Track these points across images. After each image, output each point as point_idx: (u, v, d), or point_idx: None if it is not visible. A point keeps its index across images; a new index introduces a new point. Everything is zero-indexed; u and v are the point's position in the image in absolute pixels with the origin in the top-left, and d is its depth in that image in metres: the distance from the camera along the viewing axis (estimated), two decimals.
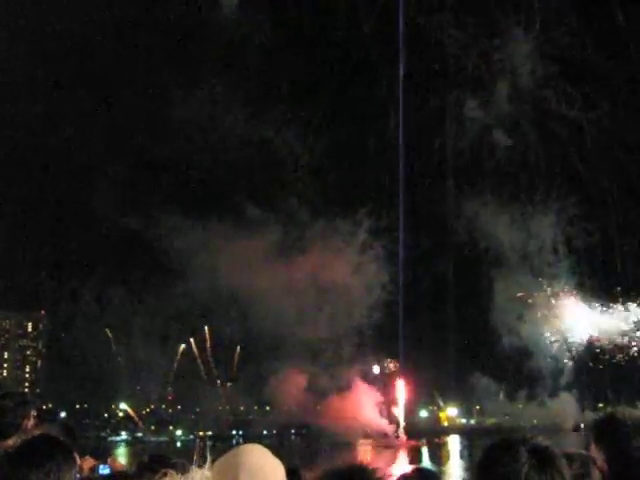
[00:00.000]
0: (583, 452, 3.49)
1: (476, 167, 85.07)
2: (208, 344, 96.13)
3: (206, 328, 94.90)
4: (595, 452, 3.26)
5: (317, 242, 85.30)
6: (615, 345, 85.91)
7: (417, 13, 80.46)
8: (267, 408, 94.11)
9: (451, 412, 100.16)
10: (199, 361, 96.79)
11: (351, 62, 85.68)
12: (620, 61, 78.56)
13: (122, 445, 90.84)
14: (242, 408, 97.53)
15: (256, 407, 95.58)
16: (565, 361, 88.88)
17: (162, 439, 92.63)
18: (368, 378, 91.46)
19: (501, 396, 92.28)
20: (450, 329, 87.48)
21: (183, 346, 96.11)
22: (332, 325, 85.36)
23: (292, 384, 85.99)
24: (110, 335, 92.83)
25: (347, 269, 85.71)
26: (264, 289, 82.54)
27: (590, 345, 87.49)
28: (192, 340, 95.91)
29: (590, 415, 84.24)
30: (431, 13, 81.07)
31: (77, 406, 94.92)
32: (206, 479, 2.34)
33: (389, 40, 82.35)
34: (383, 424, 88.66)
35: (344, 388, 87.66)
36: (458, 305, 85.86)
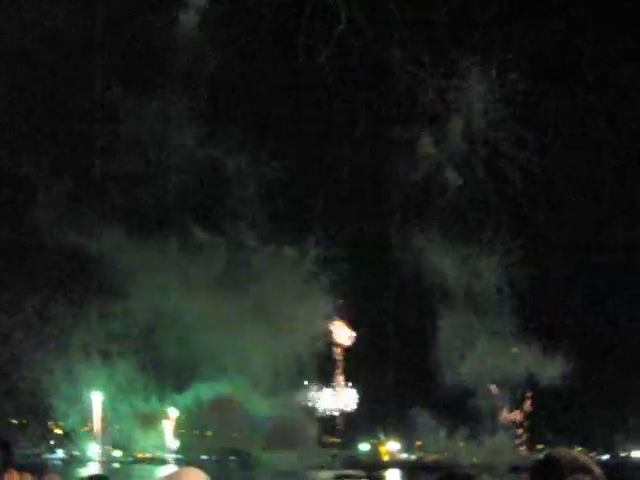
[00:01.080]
0: None
1: (426, 203, 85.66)
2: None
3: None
4: None
5: (263, 269, 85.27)
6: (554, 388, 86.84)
7: (374, 46, 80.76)
8: (207, 433, 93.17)
9: (392, 447, 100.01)
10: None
11: (306, 91, 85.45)
12: (575, 108, 79.86)
13: (59, 463, 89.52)
14: (182, 431, 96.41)
15: (197, 432, 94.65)
16: (504, 402, 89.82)
17: (99, 459, 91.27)
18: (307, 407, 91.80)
19: (442, 433, 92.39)
20: (392, 363, 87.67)
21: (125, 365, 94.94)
22: (273, 353, 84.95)
23: (230, 411, 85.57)
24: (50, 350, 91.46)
25: (292, 298, 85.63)
26: (206, 313, 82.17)
27: (530, 386, 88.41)
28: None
29: (528, 455, 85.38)
30: (388, 48, 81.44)
31: (13, 421, 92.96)
32: None
33: (345, 71, 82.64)
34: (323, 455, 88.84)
35: (284, 416, 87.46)
36: (402, 340, 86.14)
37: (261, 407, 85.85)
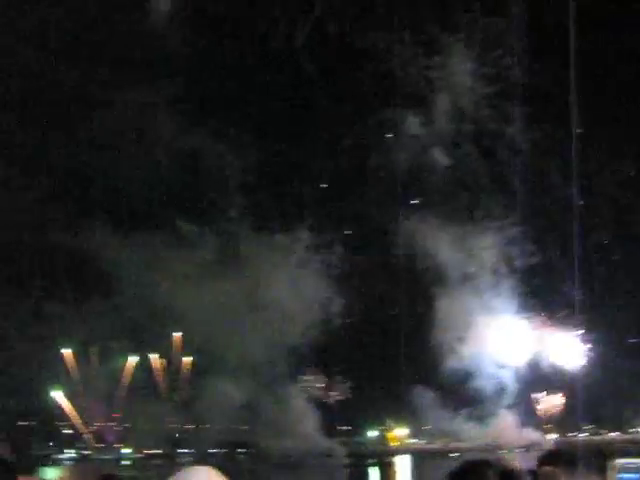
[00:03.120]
0: None
1: (416, 184, 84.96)
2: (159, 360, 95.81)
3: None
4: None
5: (254, 258, 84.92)
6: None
7: (355, 25, 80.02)
8: (207, 426, 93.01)
9: (400, 432, 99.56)
10: (155, 376, 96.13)
11: (286, 77, 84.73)
12: (561, 81, 78.83)
13: (68, 463, 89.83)
14: (188, 426, 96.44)
15: (198, 425, 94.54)
16: (507, 382, 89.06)
17: (108, 457, 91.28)
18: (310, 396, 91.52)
19: (449, 417, 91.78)
20: (395, 348, 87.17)
21: (135, 360, 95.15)
22: (268, 342, 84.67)
23: (229, 402, 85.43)
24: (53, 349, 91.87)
25: (284, 286, 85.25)
26: (198, 305, 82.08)
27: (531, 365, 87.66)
28: (151, 355, 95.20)
29: (536, 435, 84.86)
30: (369, 27, 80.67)
31: (19, 423, 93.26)
32: None
33: (323, 55, 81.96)
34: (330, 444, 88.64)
35: (285, 407, 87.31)
36: (401, 324, 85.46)
37: (260, 396, 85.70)
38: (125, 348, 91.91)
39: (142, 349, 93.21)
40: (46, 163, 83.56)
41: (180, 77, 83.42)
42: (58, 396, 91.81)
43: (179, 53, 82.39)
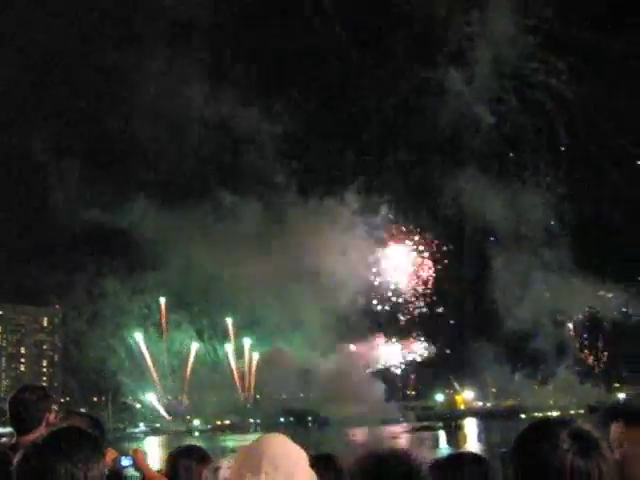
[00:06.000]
0: None
1: (461, 143, 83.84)
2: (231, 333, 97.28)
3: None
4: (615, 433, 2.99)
5: (300, 224, 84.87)
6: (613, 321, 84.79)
7: None
8: (274, 397, 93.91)
9: (467, 395, 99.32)
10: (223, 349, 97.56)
11: (325, 41, 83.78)
12: (604, 34, 76.68)
13: (142, 436, 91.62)
14: (258, 397, 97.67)
15: (259, 396, 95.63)
16: (569, 341, 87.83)
17: (180, 429, 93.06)
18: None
19: (516, 378, 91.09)
20: (453, 312, 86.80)
21: (196, 346, 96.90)
22: (324, 307, 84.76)
23: (289, 370, 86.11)
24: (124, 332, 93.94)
25: (332, 251, 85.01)
26: (247, 275, 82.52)
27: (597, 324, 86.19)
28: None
29: (604, 394, 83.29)
30: None
31: (94, 399, 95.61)
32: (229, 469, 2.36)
33: (359, 16, 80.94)
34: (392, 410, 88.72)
35: (342, 371, 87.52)
36: (459, 287, 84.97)
37: (315, 362, 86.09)
38: (185, 322, 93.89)
39: (198, 323, 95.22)
40: (79, 141, 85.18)
41: (212, 46, 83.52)
42: (129, 374, 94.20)
43: (209, 21, 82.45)
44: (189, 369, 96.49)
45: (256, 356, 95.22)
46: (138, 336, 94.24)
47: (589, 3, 75.01)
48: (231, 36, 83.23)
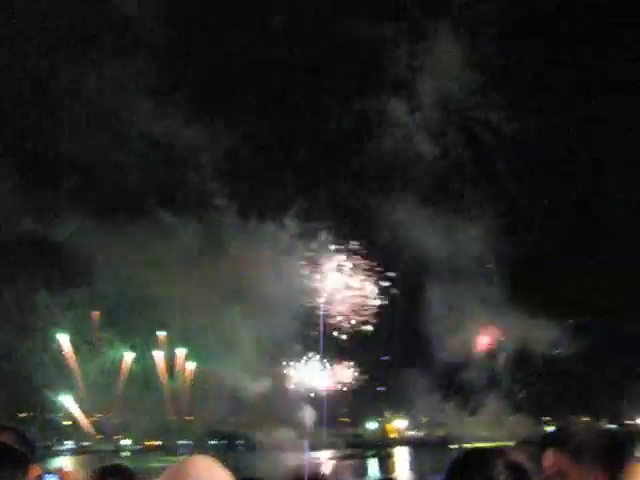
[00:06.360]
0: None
1: (401, 174, 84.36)
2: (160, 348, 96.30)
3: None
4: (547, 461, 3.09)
5: (238, 246, 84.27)
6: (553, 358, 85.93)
7: (336, 9, 79.12)
8: (205, 418, 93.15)
9: (399, 424, 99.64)
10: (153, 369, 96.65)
11: (265, 64, 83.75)
12: (550, 71, 78.30)
13: (68, 454, 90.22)
14: (190, 418, 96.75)
15: (191, 417, 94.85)
16: (500, 373, 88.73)
17: (109, 448, 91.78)
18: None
19: (447, 408, 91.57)
20: (390, 340, 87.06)
21: (131, 356, 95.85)
22: (257, 330, 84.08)
23: (223, 392, 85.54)
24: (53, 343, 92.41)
25: (269, 274, 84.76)
26: (182, 295, 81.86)
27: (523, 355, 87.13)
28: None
29: (535, 427, 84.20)
30: (350, 12, 79.83)
31: (23, 414, 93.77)
32: None
33: (304, 38, 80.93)
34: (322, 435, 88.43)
35: (273, 395, 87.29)
36: (393, 315, 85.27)
37: (247, 385, 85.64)
38: (116, 340, 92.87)
39: (130, 340, 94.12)
40: (19, 150, 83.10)
41: (154, 61, 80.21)
42: (57, 389, 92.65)
43: (152, 35, 79.87)
44: (120, 387, 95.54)
45: (192, 365, 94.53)
46: (68, 351, 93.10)
47: (530, 40, 76.54)
48: (174, 51, 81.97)
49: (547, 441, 3.12)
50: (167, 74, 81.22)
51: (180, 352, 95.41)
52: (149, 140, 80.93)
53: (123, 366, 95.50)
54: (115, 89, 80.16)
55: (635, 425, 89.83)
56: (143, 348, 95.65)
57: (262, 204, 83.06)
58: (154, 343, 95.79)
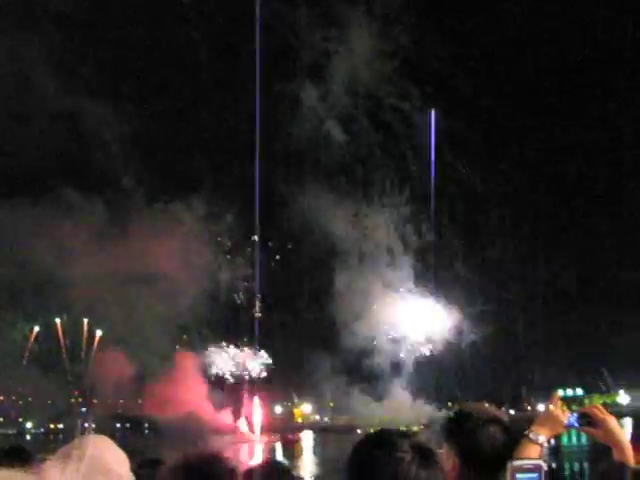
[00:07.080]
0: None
1: (312, 158, 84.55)
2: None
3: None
4: (447, 450, 3.17)
5: (143, 228, 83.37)
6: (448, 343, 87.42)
7: None
8: (110, 401, 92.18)
9: (305, 409, 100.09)
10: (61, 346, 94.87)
11: (178, 41, 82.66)
12: (461, 61, 79.25)
13: None
14: (94, 401, 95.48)
15: (95, 400, 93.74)
16: (405, 359, 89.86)
17: (10, 432, 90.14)
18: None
19: (354, 394, 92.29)
20: (296, 325, 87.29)
21: (36, 329, 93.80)
22: (155, 315, 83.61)
23: (126, 375, 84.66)
24: None
25: (174, 257, 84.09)
26: (86, 275, 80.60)
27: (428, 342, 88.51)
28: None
29: (437, 412, 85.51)
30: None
31: None
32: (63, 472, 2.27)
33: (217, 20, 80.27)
34: (229, 419, 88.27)
35: (183, 380, 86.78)
36: (300, 300, 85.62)
37: (154, 368, 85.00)
38: (19, 321, 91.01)
39: (34, 322, 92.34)
40: None
41: (60, 34, 79.03)
42: None
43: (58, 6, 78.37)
44: (22, 369, 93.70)
45: (99, 333, 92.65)
46: None
47: (446, 33, 77.39)
48: (84, 25, 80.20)
49: (448, 427, 3.33)
50: (73, 48, 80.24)
51: (85, 334, 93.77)
52: (53, 116, 79.72)
53: (26, 348, 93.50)
54: (17, 62, 78.65)
55: (535, 412, 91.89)
56: (47, 330, 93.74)
57: (169, 186, 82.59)
58: (57, 325, 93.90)
